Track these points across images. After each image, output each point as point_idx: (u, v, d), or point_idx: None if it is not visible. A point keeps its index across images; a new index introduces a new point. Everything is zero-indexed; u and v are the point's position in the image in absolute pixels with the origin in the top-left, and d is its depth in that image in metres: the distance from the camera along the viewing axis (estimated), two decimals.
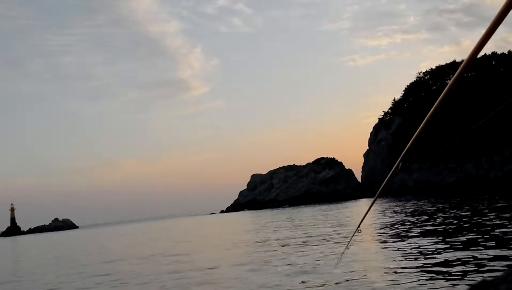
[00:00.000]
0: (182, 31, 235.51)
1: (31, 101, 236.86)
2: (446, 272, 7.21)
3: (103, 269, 13.96)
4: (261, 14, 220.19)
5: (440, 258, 8.47)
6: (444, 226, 13.67)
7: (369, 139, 79.59)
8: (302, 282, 8.10)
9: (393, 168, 3.28)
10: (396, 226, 15.89)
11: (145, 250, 19.61)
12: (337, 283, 7.57)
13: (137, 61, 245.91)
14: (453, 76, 1.98)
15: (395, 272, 7.77)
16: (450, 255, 8.55)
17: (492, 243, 9.21)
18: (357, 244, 11.75)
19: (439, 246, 9.87)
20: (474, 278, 6.55)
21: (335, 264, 9.59)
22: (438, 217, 17.10)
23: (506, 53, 63.09)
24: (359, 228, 5.05)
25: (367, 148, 79.85)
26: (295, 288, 7.76)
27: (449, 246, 9.70)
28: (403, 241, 11.66)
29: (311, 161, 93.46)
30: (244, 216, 53.99)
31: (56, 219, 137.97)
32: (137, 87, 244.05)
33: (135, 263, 14.64)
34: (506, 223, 12.29)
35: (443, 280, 6.68)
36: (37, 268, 17.07)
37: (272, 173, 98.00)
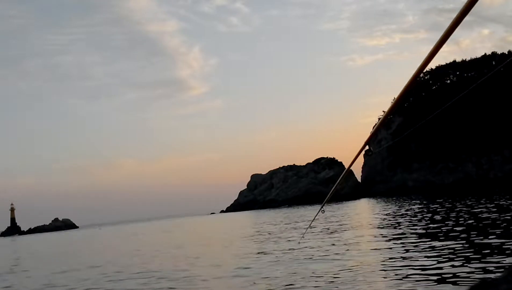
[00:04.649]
0: (181, 30, 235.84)
1: (30, 101, 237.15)
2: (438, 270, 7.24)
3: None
4: (259, 13, 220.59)
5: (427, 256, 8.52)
6: (428, 226, 13.75)
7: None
8: None
9: (358, 152, 3.53)
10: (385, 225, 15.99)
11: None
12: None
13: (135, 61, 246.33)
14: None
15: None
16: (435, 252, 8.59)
17: (491, 243, 9.22)
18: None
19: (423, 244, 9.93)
20: (473, 278, 6.57)
21: (300, 239, 12.59)
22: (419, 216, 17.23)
23: (506, 53, 63.13)
24: (322, 209, 5.61)
25: (367, 148, 79.84)
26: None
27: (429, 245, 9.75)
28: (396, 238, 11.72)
29: (311, 161, 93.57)
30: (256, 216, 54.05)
31: (56, 219, 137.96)
32: (136, 86, 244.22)
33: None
34: (505, 223, 12.31)
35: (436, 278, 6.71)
36: None
37: (272, 173, 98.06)
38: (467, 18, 1.68)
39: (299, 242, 12.59)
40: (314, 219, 7.74)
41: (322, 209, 5.92)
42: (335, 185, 4.75)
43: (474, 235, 10.71)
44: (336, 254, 10.75)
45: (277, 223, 28.03)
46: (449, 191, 48.23)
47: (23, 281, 13.06)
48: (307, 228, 7.96)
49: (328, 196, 5.39)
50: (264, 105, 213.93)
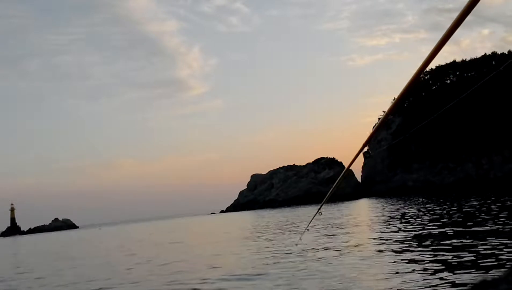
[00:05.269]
0: (180, 30, 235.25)
1: (30, 101, 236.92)
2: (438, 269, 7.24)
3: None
4: (259, 13, 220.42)
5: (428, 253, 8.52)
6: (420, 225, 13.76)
7: None
8: None
9: (356, 154, 3.56)
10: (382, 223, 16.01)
11: None
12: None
13: (135, 61, 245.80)
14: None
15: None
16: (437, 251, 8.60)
17: (491, 243, 9.22)
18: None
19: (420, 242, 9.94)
20: (472, 278, 6.57)
21: (297, 241, 12.25)
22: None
23: (506, 53, 63.11)
24: (319, 211, 5.69)
25: (367, 148, 79.93)
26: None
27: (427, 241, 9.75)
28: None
29: (311, 161, 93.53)
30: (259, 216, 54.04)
31: (56, 219, 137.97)
32: (136, 86, 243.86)
33: None
34: (505, 223, 12.31)
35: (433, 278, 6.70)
36: None
37: (272, 173, 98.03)
38: (467, 17, 1.68)
39: (296, 244, 12.59)
40: (311, 222, 7.80)
41: (320, 211, 5.99)
42: (331, 189, 4.78)
43: (474, 235, 10.71)
44: (334, 255, 10.76)
45: (278, 223, 28.06)
46: (449, 191, 48.24)
47: (30, 284, 13.06)
48: (304, 231, 7.96)
49: (324, 200, 5.46)
50: (264, 105, 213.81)
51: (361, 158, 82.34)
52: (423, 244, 10.63)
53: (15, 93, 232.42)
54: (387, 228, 15.93)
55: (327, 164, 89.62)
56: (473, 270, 7.05)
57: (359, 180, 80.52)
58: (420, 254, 9.20)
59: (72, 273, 13.56)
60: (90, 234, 60.05)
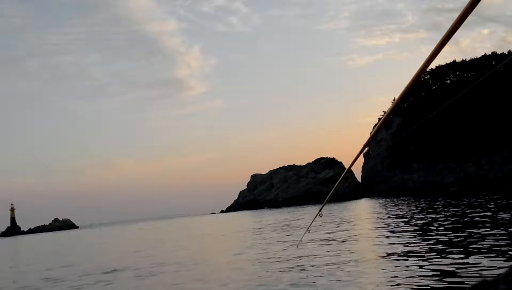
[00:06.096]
0: (180, 30, 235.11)
1: (30, 101, 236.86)
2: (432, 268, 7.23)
3: None
4: (259, 13, 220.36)
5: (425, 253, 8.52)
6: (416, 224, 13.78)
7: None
8: None
9: (357, 155, 3.56)
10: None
11: None
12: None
13: (135, 61, 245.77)
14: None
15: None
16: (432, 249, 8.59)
17: (491, 243, 9.21)
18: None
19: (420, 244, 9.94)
20: (472, 278, 6.56)
21: (297, 244, 12.00)
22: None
23: (506, 53, 63.11)
24: (320, 212, 5.67)
25: (367, 148, 79.80)
26: None
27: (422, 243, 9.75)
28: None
29: (311, 161, 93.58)
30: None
31: (56, 219, 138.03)
32: (135, 86, 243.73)
33: None
34: (505, 223, 12.30)
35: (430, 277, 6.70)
36: None
37: (272, 173, 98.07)
38: (467, 18, 1.68)
39: (297, 246, 12.57)
40: (312, 223, 7.76)
41: (320, 213, 5.96)
42: (332, 191, 4.75)
43: (474, 235, 10.70)
44: (336, 256, 10.75)
45: (279, 224, 28.05)
46: (448, 191, 48.22)
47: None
48: (305, 232, 7.93)
49: (324, 201, 5.43)
50: (264, 105, 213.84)
51: (361, 158, 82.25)
52: (422, 244, 10.62)
53: (15, 93, 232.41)
54: (386, 228, 15.92)
55: (327, 164, 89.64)
56: (473, 270, 7.04)
57: (359, 180, 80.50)
58: (419, 255, 9.19)
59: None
60: (93, 234, 60.02)
